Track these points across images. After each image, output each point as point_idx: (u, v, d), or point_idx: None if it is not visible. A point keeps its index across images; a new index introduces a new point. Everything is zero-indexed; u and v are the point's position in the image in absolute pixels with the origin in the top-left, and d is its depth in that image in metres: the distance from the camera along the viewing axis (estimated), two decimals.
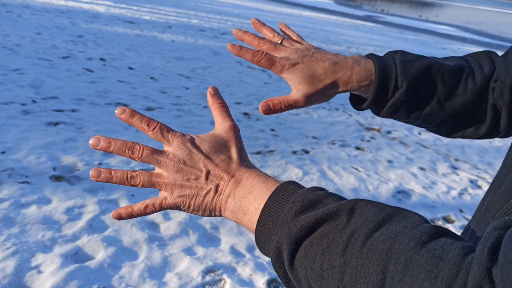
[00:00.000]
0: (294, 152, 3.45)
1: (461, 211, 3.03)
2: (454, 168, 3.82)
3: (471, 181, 3.58)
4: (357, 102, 0.72)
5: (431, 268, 0.31)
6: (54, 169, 2.56)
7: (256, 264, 2.08)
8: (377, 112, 0.70)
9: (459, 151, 4.26)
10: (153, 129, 0.52)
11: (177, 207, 0.51)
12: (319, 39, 9.94)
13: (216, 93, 0.59)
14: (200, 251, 2.10)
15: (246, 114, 4.16)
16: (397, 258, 0.33)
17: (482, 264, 0.29)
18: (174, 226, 2.23)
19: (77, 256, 1.92)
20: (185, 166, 0.50)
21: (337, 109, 4.91)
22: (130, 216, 0.53)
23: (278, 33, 0.71)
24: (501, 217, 0.44)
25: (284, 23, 0.75)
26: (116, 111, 0.52)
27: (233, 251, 2.15)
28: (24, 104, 3.38)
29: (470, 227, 0.52)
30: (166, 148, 0.52)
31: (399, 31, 16.08)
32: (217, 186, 0.50)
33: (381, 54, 0.71)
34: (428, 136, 4.53)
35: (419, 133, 4.59)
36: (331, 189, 2.94)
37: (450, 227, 2.80)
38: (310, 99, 0.64)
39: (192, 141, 0.52)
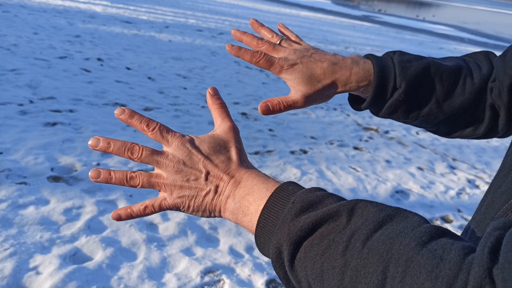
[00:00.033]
0: (292, 152, 3.46)
1: (459, 210, 3.04)
2: (452, 168, 3.83)
3: (469, 181, 3.59)
4: (356, 103, 0.72)
5: (431, 268, 0.31)
6: (52, 169, 2.55)
7: (255, 264, 2.08)
8: (376, 113, 0.70)
9: (456, 151, 4.27)
10: (153, 130, 0.52)
11: (176, 208, 0.51)
12: (316, 39, 9.95)
13: (216, 94, 0.59)
14: (199, 251, 2.10)
15: (244, 114, 4.16)
16: (398, 258, 0.33)
17: (483, 264, 0.29)
18: (173, 226, 2.23)
19: (76, 257, 1.92)
20: (185, 166, 0.50)
21: (335, 109, 4.92)
22: (130, 217, 0.53)
23: (277, 34, 0.71)
24: (501, 217, 0.44)
25: (282, 24, 0.75)
26: (115, 112, 0.52)
27: (232, 251, 2.15)
28: (21, 105, 3.37)
29: (470, 227, 0.52)
30: (165, 148, 0.52)
31: (396, 31, 16.12)
32: (216, 187, 0.50)
33: (379, 54, 0.71)
34: (426, 136, 4.54)
35: (417, 133, 4.60)
36: (329, 189, 2.95)
37: (448, 226, 2.81)
38: (309, 100, 0.64)
39: (192, 141, 0.52)
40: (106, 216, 2.22)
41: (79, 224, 2.12)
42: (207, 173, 0.50)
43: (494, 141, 4.81)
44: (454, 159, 4.04)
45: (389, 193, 3.08)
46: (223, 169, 0.50)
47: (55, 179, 2.48)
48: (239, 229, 2.31)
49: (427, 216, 2.88)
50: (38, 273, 1.77)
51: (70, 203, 2.27)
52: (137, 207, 0.53)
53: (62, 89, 3.87)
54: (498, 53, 0.71)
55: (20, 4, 7.60)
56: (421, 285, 0.31)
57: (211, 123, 3.78)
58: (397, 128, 4.64)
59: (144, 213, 0.53)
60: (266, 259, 2.14)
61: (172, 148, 0.51)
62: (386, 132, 4.47)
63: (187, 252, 2.08)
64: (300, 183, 2.95)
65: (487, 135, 0.71)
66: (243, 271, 2.02)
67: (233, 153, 0.52)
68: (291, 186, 0.46)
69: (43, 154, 2.68)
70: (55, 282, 1.73)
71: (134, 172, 0.52)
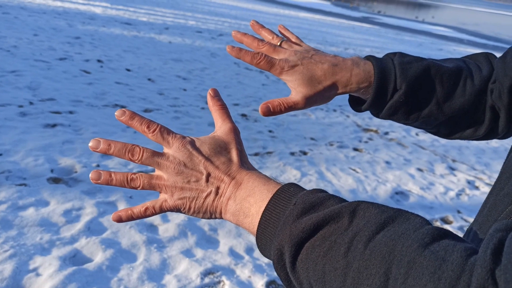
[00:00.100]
0: (292, 154, 3.46)
1: (458, 212, 3.04)
2: (452, 169, 3.83)
3: (469, 182, 3.60)
4: (356, 104, 0.72)
5: (434, 269, 0.31)
6: (52, 171, 2.55)
7: (255, 265, 2.08)
8: (376, 114, 0.70)
9: (456, 152, 4.27)
10: (153, 131, 0.52)
11: (177, 209, 0.51)
12: (316, 40, 9.96)
13: (216, 95, 0.59)
14: (198, 253, 2.10)
15: (244, 115, 4.16)
16: (400, 260, 0.33)
17: (486, 265, 0.29)
18: (173, 228, 2.23)
19: (76, 259, 1.92)
20: (186, 168, 0.50)
21: (334, 110, 4.92)
22: (130, 218, 0.53)
23: (277, 35, 0.71)
24: (504, 219, 0.44)
25: (283, 25, 0.75)
26: (116, 113, 0.52)
27: (232, 253, 2.15)
28: (21, 106, 3.37)
29: (472, 229, 0.52)
30: (166, 150, 0.52)
31: (395, 32, 16.14)
32: (217, 188, 0.50)
33: (378, 55, 0.72)
34: (425, 137, 4.55)
35: (417, 134, 4.61)
36: (329, 190, 2.95)
37: (448, 228, 2.80)
38: (310, 101, 0.64)
39: (192, 143, 0.52)
40: (106, 218, 2.21)
41: (79, 225, 2.12)
42: (208, 175, 0.50)
43: (494, 142, 4.82)
44: (453, 160, 4.04)
45: (389, 194, 3.08)
46: (224, 170, 0.50)
47: (55, 180, 2.48)
48: (239, 231, 2.31)
49: (426, 217, 2.88)
50: (38, 275, 1.77)
51: (70, 204, 2.26)
52: (138, 208, 0.53)
53: (62, 91, 3.87)
54: (498, 54, 0.71)
55: (20, 6, 7.60)
56: (423, 286, 0.31)
57: (211, 124, 3.78)
58: (396, 129, 4.64)
59: (144, 214, 0.53)
60: (266, 260, 2.14)
61: (172, 149, 0.51)
62: (386, 133, 4.47)
63: (187, 253, 2.08)
64: (300, 184, 2.95)
65: (487, 136, 0.71)
66: (243, 273, 2.02)
67: (234, 155, 0.52)
68: (292, 188, 0.46)
69: (43, 155, 2.68)
70: (55, 284, 1.72)
71: (134, 173, 0.52)
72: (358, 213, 0.40)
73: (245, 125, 3.89)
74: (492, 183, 3.64)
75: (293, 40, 0.72)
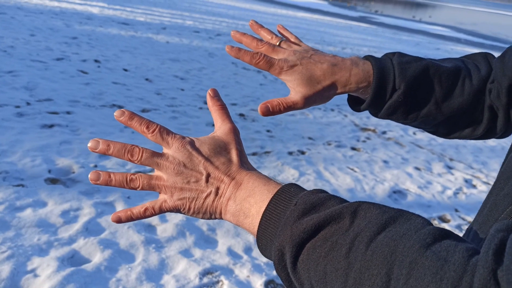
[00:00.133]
0: (290, 153, 3.46)
1: (456, 210, 3.05)
2: (449, 167, 3.84)
3: (466, 181, 3.61)
4: (355, 104, 0.72)
5: (436, 270, 0.31)
6: (49, 171, 2.54)
7: (254, 265, 2.08)
8: (375, 114, 0.70)
9: (453, 151, 4.28)
10: (153, 132, 0.51)
11: (177, 209, 0.51)
12: (313, 40, 9.97)
13: (216, 95, 0.59)
14: (197, 253, 2.09)
15: (241, 115, 4.16)
16: (402, 260, 0.33)
17: (488, 266, 0.29)
18: (171, 228, 2.22)
19: (74, 259, 1.91)
20: (185, 168, 0.50)
21: (332, 110, 4.93)
22: (130, 219, 0.53)
23: (276, 35, 0.71)
24: (504, 220, 0.44)
25: (282, 25, 0.75)
26: (115, 114, 0.52)
27: (230, 252, 2.15)
28: (18, 107, 3.35)
29: (472, 229, 0.52)
30: (165, 150, 0.52)
31: (393, 32, 16.17)
32: (217, 188, 0.50)
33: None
34: (423, 136, 4.56)
35: (414, 133, 4.62)
36: (327, 189, 2.95)
37: (445, 226, 2.81)
38: (309, 101, 0.64)
39: (192, 143, 0.52)
40: (104, 218, 2.21)
41: (77, 226, 2.11)
42: (208, 175, 0.50)
43: (491, 141, 4.83)
44: (451, 159, 4.05)
45: (387, 193, 3.08)
46: (224, 171, 0.50)
47: (53, 181, 2.47)
48: (238, 230, 2.31)
49: (424, 215, 2.89)
50: (36, 276, 1.76)
51: (68, 205, 2.26)
52: (137, 209, 0.52)
53: (59, 91, 3.85)
54: (496, 54, 0.71)
55: (16, 6, 7.57)
56: (425, 287, 0.31)
57: (209, 124, 3.78)
58: (394, 128, 4.65)
59: (144, 215, 0.52)
60: (264, 260, 2.14)
61: (172, 150, 0.51)
62: (384, 132, 4.48)
63: (186, 253, 2.08)
64: (298, 184, 2.94)
65: (486, 136, 0.71)
66: (242, 272, 2.02)
67: (234, 155, 0.52)
68: (293, 188, 0.46)
69: (40, 156, 2.67)
70: (53, 285, 1.72)
71: (134, 174, 0.52)
72: (359, 213, 0.40)
73: (243, 124, 3.89)
74: (490, 182, 3.66)
75: (292, 40, 0.72)
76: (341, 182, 3.10)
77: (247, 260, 2.11)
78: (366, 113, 4.48)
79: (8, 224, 2.02)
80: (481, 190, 3.48)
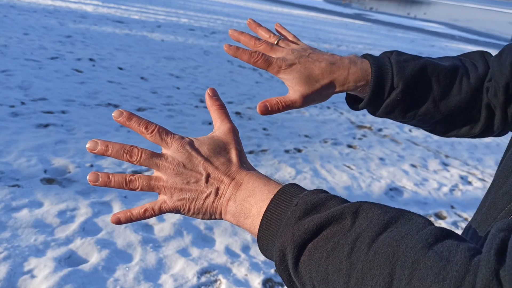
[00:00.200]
0: (287, 151, 3.46)
1: (452, 207, 3.07)
2: (445, 164, 3.86)
3: (462, 177, 3.63)
4: (354, 102, 0.72)
5: (438, 270, 0.31)
6: (45, 171, 2.53)
7: (251, 264, 2.08)
8: (373, 112, 0.70)
9: (449, 148, 4.30)
10: (151, 132, 0.51)
11: (176, 210, 0.51)
12: (309, 37, 9.97)
13: (215, 95, 0.58)
14: (195, 252, 2.09)
15: (238, 113, 4.16)
16: (404, 260, 0.33)
17: (490, 266, 0.29)
18: (168, 227, 2.22)
19: (71, 260, 1.90)
20: (185, 169, 0.50)
21: (328, 108, 4.93)
22: (129, 220, 0.52)
23: (274, 34, 0.71)
24: (504, 218, 0.45)
25: (279, 24, 0.75)
26: (113, 114, 0.51)
27: (228, 251, 2.15)
28: (12, 106, 3.33)
29: (471, 227, 0.52)
30: (164, 151, 0.52)
31: (388, 29, 16.20)
32: (217, 189, 0.49)
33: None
34: (418, 133, 4.58)
35: (410, 130, 4.63)
36: (324, 187, 2.96)
37: (442, 223, 2.83)
38: (307, 100, 0.64)
39: (191, 143, 0.51)
40: (101, 218, 2.20)
41: (74, 226, 2.10)
42: (208, 176, 0.50)
43: (486, 138, 4.86)
44: (446, 156, 4.07)
45: (383, 190, 3.09)
46: (224, 171, 0.50)
47: (49, 181, 2.45)
48: (235, 229, 2.31)
49: (420, 213, 2.90)
50: (33, 277, 1.75)
51: (64, 205, 2.25)
52: (137, 210, 0.52)
53: (54, 90, 3.83)
54: (489, 50, 0.71)
55: (9, 4, 7.51)
56: (428, 287, 0.31)
57: (205, 122, 3.77)
58: (390, 125, 4.66)
59: (144, 216, 0.52)
60: (262, 258, 2.14)
61: (171, 150, 0.51)
62: (380, 130, 4.49)
63: (183, 252, 2.08)
64: (295, 182, 2.95)
65: (483, 134, 0.71)
66: (240, 271, 2.02)
67: (233, 155, 0.52)
68: (293, 188, 0.46)
69: (35, 156, 2.65)
70: (51, 285, 1.71)
71: (133, 175, 0.51)
72: (361, 213, 0.40)
73: (239, 123, 3.89)
74: (485, 178, 3.68)
75: (290, 38, 0.72)
76: (338, 180, 3.11)
77: (244, 258, 2.11)
78: (362, 110, 4.49)
79: (4, 225, 2.01)
80: (477, 187, 3.50)
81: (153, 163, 0.50)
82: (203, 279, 1.93)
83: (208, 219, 0.52)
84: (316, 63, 0.64)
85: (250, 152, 3.30)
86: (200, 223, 2.31)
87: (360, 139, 4.10)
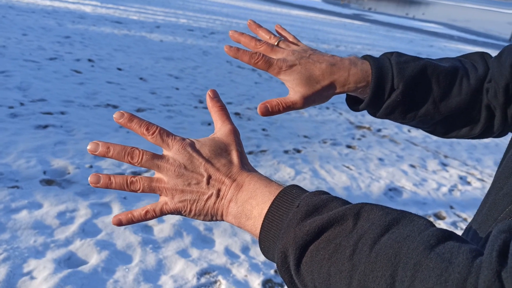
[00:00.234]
0: (286, 152, 3.46)
1: (451, 207, 3.07)
2: (444, 165, 3.86)
3: (461, 178, 3.63)
4: (354, 103, 0.72)
5: (440, 272, 0.31)
6: (45, 173, 2.52)
7: (251, 264, 2.08)
8: (373, 113, 0.70)
9: (448, 148, 4.31)
10: (153, 134, 0.51)
11: (178, 212, 0.51)
12: (308, 38, 9.97)
13: (216, 96, 0.58)
14: (194, 253, 2.09)
15: (237, 114, 4.16)
16: (406, 262, 0.33)
17: (492, 267, 0.29)
18: (168, 228, 2.22)
19: (70, 261, 1.90)
20: (186, 170, 0.50)
21: (327, 108, 4.94)
22: (131, 222, 0.52)
23: (274, 35, 0.71)
24: (505, 219, 0.45)
25: (280, 25, 0.75)
26: (114, 116, 0.51)
27: (228, 252, 2.15)
28: (11, 107, 3.32)
29: (472, 228, 0.53)
30: (165, 152, 0.52)
31: (386, 29, 16.22)
32: (218, 190, 0.49)
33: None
34: (417, 134, 4.58)
35: (409, 131, 4.64)
36: (323, 188, 2.96)
37: (441, 223, 2.83)
38: (308, 101, 0.64)
39: (192, 145, 0.51)
40: (100, 219, 2.20)
41: (73, 227, 2.10)
42: (209, 177, 0.50)
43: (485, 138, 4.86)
44: (445, 156, 4.08)
45: (382, 190, 3.10)
46: (225, 172, 0.50)
47: (48, 182, 2.45)
48: (235, 230, 2.31)
49: (420, 213, 2.90)
50: (32, 278, 1.75)
51: (64, 206, 2.24)
52: (138, 212, 0.52)
53: (53, 91, 3.82)
54: (488, 50, 0.71)
55: (8, 4, 7.50)
56: None
57: (204, 123, 3.77)
58: (389, 126, 4.67)
59: (145, 218, 0.52)
60: (262, 259, 2.14)
61: (172, 152, 0.51)
62: (379, 130, 4.50)
63: (183, 253, 2.08)
64: (294, 182, 2.95)
65: (483, 135, 0.71)
66: (239, 272, 2.02)
67: (234, 156, 0.52)
68: (295, 190, 0.46)
69: (35, 157, 2.65)
70: (50, 287, 1.71)
71: (134, 176, 0.51)
72: (362, 215, 0.40)
73: (238, 123, 3.89)
74: (484, 179, 3.69)
75: (290, 39, 0.72)
76: (337, 180, 3.11)
77: (244, 259, 2.11)
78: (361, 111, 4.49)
79: (3, 226, 2.01)
80: (476, 187, 3.50)
81: (154, 164, 0.50)
82: (202, 280, 1.93)
83: (209, 221, 0.52)
84: (317, 64, 0.64)
85: (250, 153, 3.30)
86: (199, 224, 2.31)
87: (359, 139, 4.11)
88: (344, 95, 0.73)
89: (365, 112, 0.70)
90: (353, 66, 0.65)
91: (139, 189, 0.51)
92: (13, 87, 3.72)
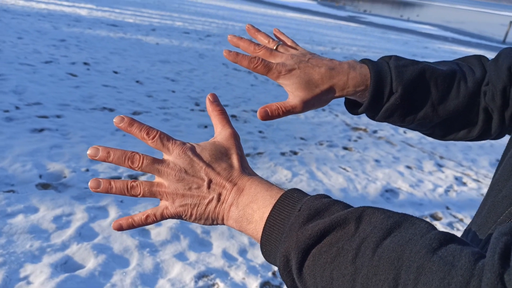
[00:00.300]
0: (283, 154, 3.47)
1: (447, 208, 3.09)
2: (440, 165, 3.88)
3: (456, 178, 3.65)
4: (353, 107, 0.72)
5: (443, 275, 0.32)
6: (40, 176, 2.51)
7: (249, 267, 2.07)
8: (372, 117, 0.70)
9: (443, 149, 4.33)
10: (153, 138, 0.51)
11: (178, 216, 0.51)
12: (303, 40, 10.00)
13: (215, 100, 0.59)
14: (192, 256, 2.09)
15: (233, 116, 4.16)
16: (409, 265, 0.34)
17: (494, 270, 0.30)
18: (165, 231, 2.21)
19: (67, 265, 1.89)
20: (186, 175, 0.50)
21: (323, 110, 4.95)
22: (131, 226, 0.52)
23: (273, 39, 0.72)
24: (505, 222, 0.45)
25: (278, 29, 0.75)
26: (114, 120, 0.51)
27: (225, 255, 2.14)
28: (7, 111, 3.31)
29: (471, 230, 0.53)
30: (166, 157, 0.52)
31: (381, 31, 16.30)
32: (219, 194, 0.49)
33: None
34: (413, 135, 4.60)
35: (405, 132, 4.66)
36: (320, 189, 2.96)
37: (437, 224, 2.85)
38: (307, 105, 0.65)
39: (193, 149, 0.51)
40: (97, 223, 2.19)
41: (70, 231, 2.09)
42: (209, 181, 0.50)
43: None
44: (441, 157, 4.10)
45: (379, 192, 3.11)
46: (226, 176, 0.50)
47: (44, 186, 2.44)
48: (232, 232, 2.31)
49: (416, 214, 2.92)
50: (29, 283, 1.74)
51: (60, 210, 2.23)
52: (139, 216, 0.52)
53: (49, 95, 3.81)
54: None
55: (3, 8, 7.46)
56: None
57: (201, 126, 3.77)
58: (385, 127, 4.69)
59: (145, 222, 0.52)
60: (259, 261, 2.14)
61: (173, 156, 0.51)
62: (375, 131, 4.51)
63: (180, 257, 2.07)
64: (291, 184, 2.96)
65: (481, 137, 0.72)
66: (237, 274, 2.02)
67: (235, 160, 0.52)
68: (296, 193, 0.46)
69: (30, 161, 2.64)
70: None
71: (134, 181, 0.51)
72: (364, 218, 0.40)
73: (235, 126, 3.89)
74: (479, 179, 3.71)
75: (289, 43, 0.72)
76: (334, 182, 3.12)
77: (242, 262, 2.11)
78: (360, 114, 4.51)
79: None
80: (471, 188, 3.52)
81: (155, 169, 0.50)
82: (200, 283, 1.92)
83: (209, 225, 0.52)
84: (316, 68, 0.64)
85: (246, 155, 3.30)
86: (196, 227, 2.30)
87: (355, 141, 4.12)
88: (340, 98, 0.73)
89: (367, 117, 0.70)
90: (352, 70, 0.65)
91: (139, 194, 0.51)
92: (8, 91, 3.70)
